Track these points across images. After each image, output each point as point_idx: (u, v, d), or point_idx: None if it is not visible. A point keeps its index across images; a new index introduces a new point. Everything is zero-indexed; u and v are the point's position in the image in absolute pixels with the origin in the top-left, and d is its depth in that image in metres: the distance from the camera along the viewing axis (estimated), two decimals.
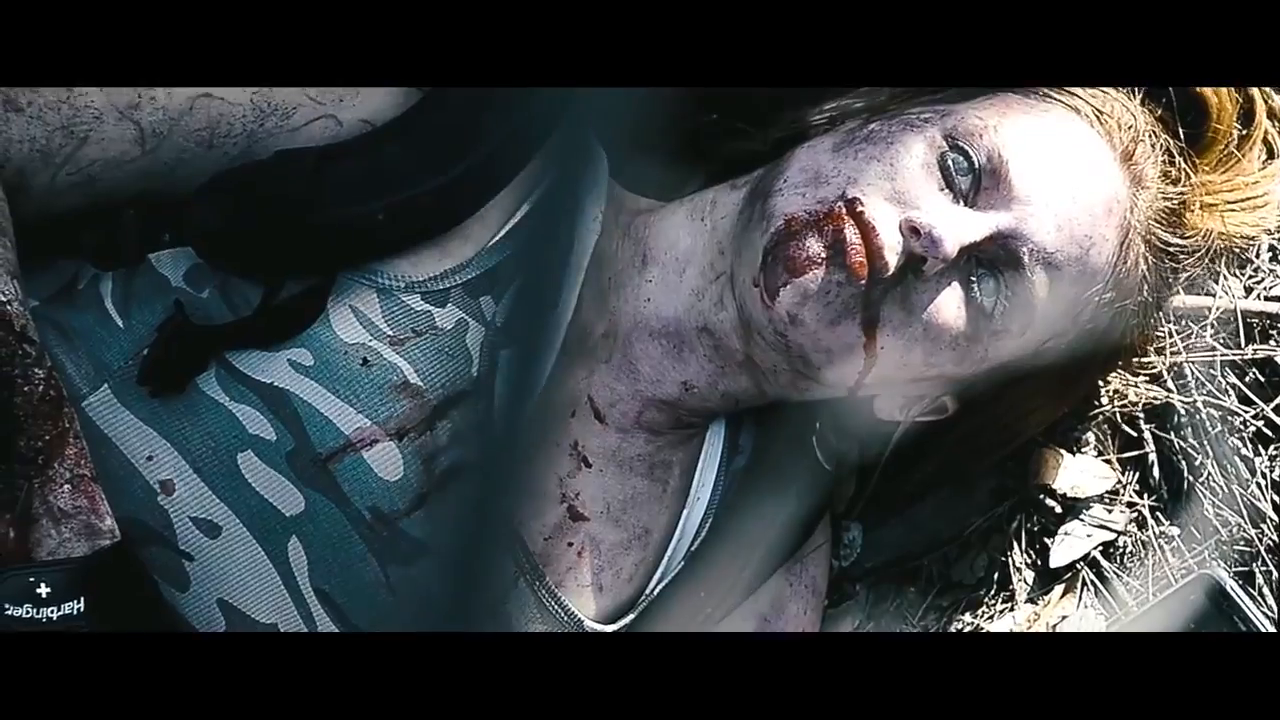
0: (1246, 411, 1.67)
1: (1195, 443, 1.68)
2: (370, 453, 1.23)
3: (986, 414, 1.46)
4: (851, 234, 1.24)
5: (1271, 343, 1.68)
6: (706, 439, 1.45)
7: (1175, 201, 1.36)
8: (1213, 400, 1.68)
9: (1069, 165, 1.29)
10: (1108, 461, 1.70)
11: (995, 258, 1.28)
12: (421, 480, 1.25)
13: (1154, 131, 1.34)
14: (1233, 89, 1.40)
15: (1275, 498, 1.63)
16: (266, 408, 1.22)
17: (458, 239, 1.30)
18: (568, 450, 1.37)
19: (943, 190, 1.27)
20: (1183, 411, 1.68)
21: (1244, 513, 1.64)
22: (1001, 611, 1.68)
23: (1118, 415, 1.71)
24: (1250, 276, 1.72)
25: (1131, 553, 1.68)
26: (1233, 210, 1.40)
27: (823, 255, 1.25)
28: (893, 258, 1.24)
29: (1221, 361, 1.68)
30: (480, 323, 1.28)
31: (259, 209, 1.21)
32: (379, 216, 1.23)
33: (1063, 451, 1.71)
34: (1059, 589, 1.68)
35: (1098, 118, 1.32)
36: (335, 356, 1.23)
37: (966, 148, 1.27)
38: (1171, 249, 1.37)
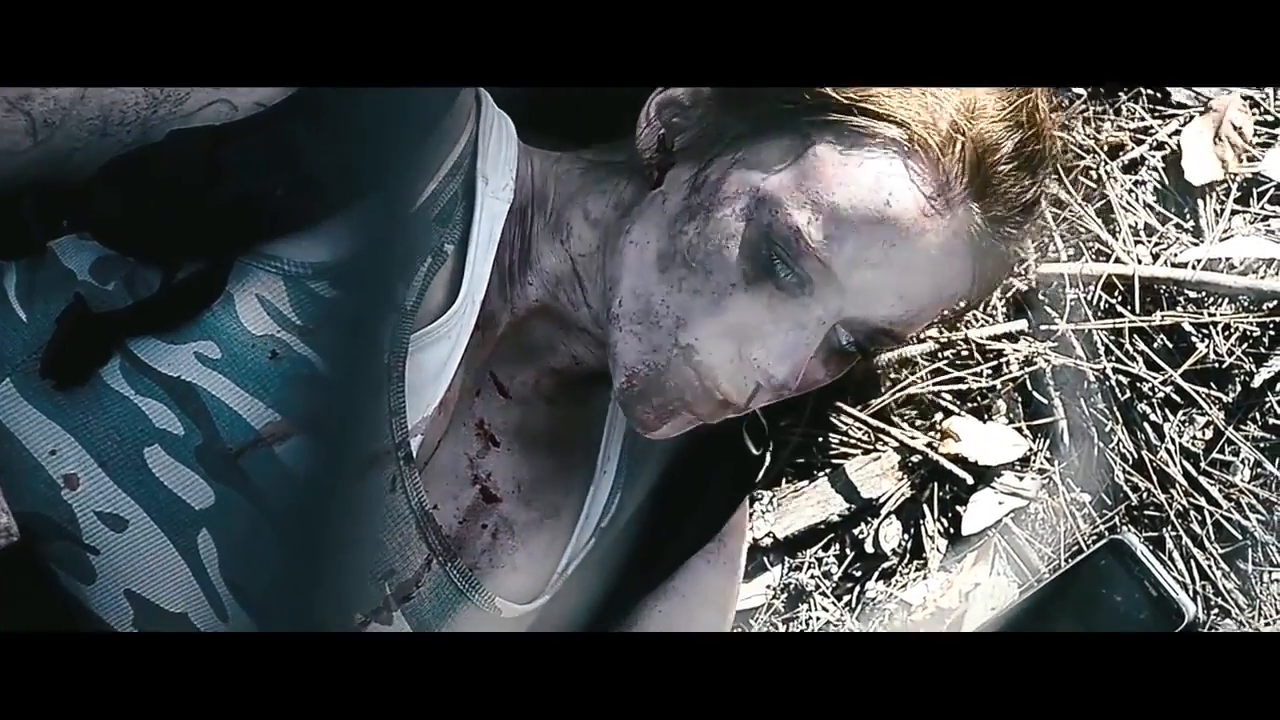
0: (1155, 377, 1.68)
1: (1105, 409, 1.69)
2: (282, 448, 1.21)
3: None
4: (696, 393, 1.25)
5: (1179, 309, 1.70)
6: (610, 410, 1.44)
7: (1011, 199, 1.31)
8: (1122, 367, 1.69)
9: (896, 241, 1.23)
10: (1018, 429, 1.71)
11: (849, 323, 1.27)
12: None
13: (969, 137, 1.28)
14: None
15: (1184, 463, 1.65)
16: (173, 401, 1.19)
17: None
18: (475, 430, 1.36)
19: (774, 296, 1.24)
20: (1092, 378, 1.69)
21: (1153, 478, 1.65)
22: (915, 580, 1.69)
23: (1028, 382, 1.72)
24: (1157, 243, 1.73)
25: (1043, 519, 1.69)
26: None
27: (672, 408, 1.26)
28: (742, 399, 1.25)
29: (1129, 328, 1.69)
30: (392, 309, 1.26)
31: (155, 191, 1.19)
32: (278, 193, 1.20)
33: (974, 419, 1.72)
34: (971, 556, 1.69)
35: (917, 145, 1.23)
36: (243, 349, 1.20)
37: (789, 262, 1.22)
38: (1015, 231, 1.33)
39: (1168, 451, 1.66)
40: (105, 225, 1.20)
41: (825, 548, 1.73)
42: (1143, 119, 1.80)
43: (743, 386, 1.25)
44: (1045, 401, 1.71)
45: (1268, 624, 1.58)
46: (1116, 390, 1.69)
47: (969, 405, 1.73)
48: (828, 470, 1.75)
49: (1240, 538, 1.62)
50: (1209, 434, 1.66)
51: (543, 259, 1.34)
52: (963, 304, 1.33)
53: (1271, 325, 1.67)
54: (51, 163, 1.18)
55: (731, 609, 1.56)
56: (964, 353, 1.75)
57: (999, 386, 1.73)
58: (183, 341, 1.20)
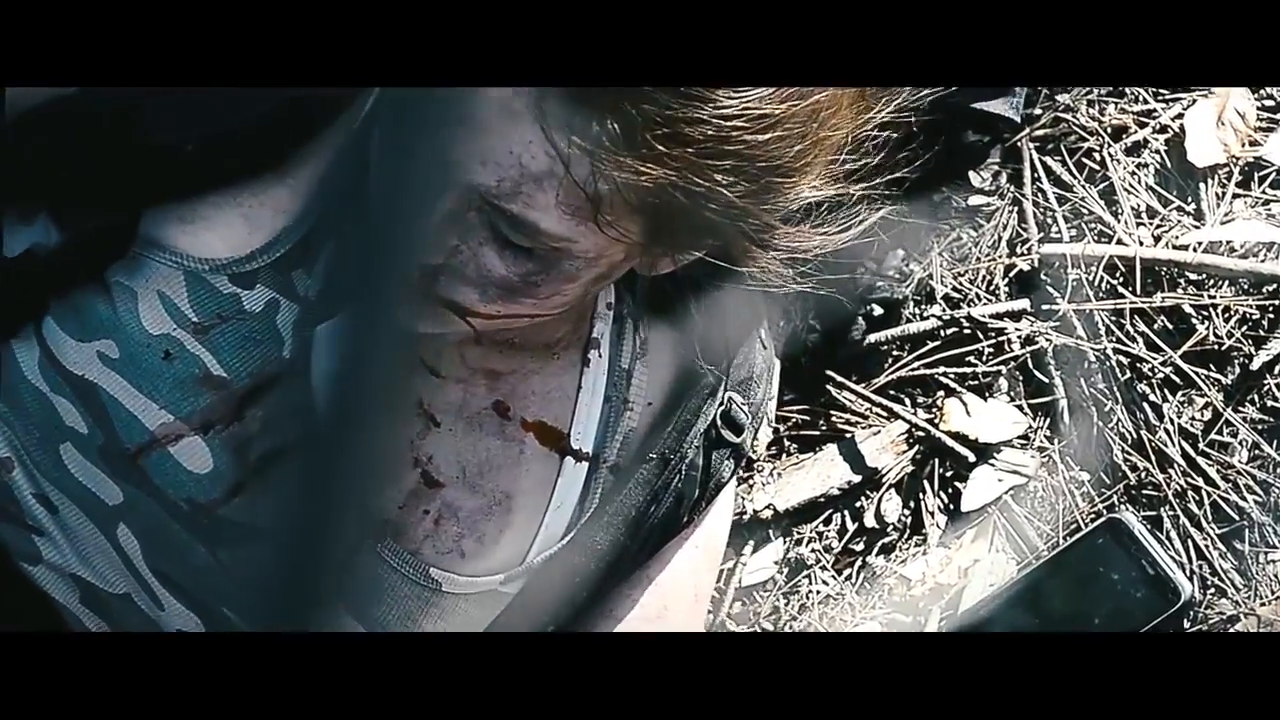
0: (1155, 358, 1.70)
1: (1105, 388, 1.70)
2: (176, 447, 1.21)
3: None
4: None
5: (1179, 291, 1.71)
6: (578, 396, 1.35)
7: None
8: (1122, 347, 1.70)
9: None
10: (1019, 407, 1.73)
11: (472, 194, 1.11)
12: (236, 469, 1.22)
13: None
14: None
15: (1183, 443, 1.66)
16: (78, 400, 1.20)
17: (269, 209, 1.23)
18: (415, 409, 1.29)
19: None
20: (1093, 358, 1.71)
21: (1152, 458, 1.67)
22: (914, 555, 1.71)
23: (1029, 361, 1.73)
24: (1158, 226, 1.75)
25: (1042, 497, 1.70)
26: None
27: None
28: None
29: (1130, 309, 1.71)
30: (293, 300, 1.23)
31: (70, 139, 1.19)
32: (188, 148, 1.19)
33: (975, 397, 1.73)
34: (970, 532, 1.70)
35: None
36: (139, 349, 1.20)
37: None
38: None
39: (1166, 432, 1.67)
40: (17, 173, 1.20)
41: (826, 521, 1.75)
42: (1146, 102, 1.82)
43: None
44: (1046, 380, 1.72)
45: (1263, 604, 1.60)
46: (1117, 370, 1.70)
47: (970, 383, 1.75)
48: (828, 444, 1.77)
49: (1237, 518, 1.64)
50: (1208, 415, 1.68)
51: None
52: (575, 209, 1.10)
53: (1271, 308, 1.68)
54: None
55: (706, 597, 1.50)
56: (966, 331, 1.76)
57: (1004, 369, 1.74)
58: (88, 339, 1.21)
